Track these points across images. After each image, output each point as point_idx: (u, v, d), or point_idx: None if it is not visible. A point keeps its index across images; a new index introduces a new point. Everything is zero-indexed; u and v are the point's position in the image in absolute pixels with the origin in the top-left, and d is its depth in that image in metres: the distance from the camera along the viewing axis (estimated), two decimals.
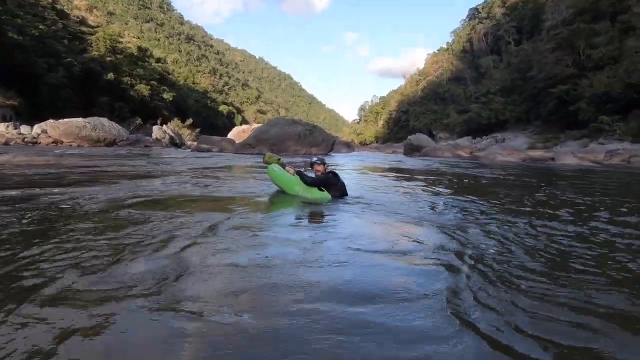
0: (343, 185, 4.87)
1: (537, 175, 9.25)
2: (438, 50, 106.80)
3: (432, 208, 4.55)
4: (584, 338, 1.53)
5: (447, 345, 1.45)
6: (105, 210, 3.79)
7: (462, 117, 67.27)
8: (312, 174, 5.10)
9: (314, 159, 5.14)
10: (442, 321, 1.64)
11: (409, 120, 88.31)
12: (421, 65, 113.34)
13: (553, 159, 15.07)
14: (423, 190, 6.03)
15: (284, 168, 5.30)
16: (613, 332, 1.58)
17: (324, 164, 5.01)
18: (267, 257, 2.49)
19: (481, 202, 5.01)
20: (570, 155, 14.77)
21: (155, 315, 1.65)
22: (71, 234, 2.90)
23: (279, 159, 5.46)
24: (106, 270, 2.14)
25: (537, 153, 19.87)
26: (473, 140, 50.72)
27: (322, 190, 4.72)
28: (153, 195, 4.96)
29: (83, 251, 2.45)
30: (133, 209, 3.80)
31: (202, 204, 4.55)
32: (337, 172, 5.14)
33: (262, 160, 5.88)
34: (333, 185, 4.79)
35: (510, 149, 34.02)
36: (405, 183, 7.09)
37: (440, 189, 6.27)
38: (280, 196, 5.07)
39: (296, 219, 4.04)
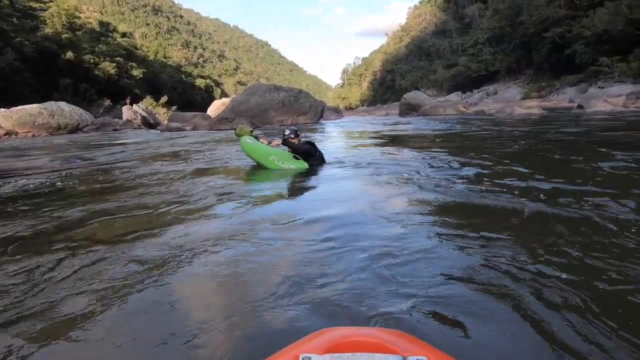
0: (321, 154, 4.87)
1: (583, 131, 7.45)
2: (420, 2, 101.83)
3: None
4: None
5: None
6: None
7: (449, 72, 64.68)
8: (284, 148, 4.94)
9: (287, 131, 4.82)
10: None
11: (395, 79, 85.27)
12: (403, 21, 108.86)
13: (581, 106, 13.27)
14: (472, 167, 4.08)
15: (257, 140, 5.03)
16: None
17: (298, 136, 4.81)
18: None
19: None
20: (601, 100, 12.96)
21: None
22: None
23: (251, 131, 5.20)
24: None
25: (561, 103, 17.92)
26: (463, 95, 48.66)
27: (298, 159, 4.64)
28: None
29: None
30: None
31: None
32: (313, 141, 5.03)
33: (234, 133, 5.54)
34: (313, 155, 4.75)
35: (504, 101, 32.28)
36: (441, 156, 5.06)
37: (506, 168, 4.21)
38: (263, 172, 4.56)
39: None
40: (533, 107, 14.91)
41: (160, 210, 2.87)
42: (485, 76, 55.17)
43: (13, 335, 1.32)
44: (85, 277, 1.75)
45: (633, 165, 3.69)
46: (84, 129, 24.67)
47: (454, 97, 47.92)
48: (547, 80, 40.82)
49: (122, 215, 2.82)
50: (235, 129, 5.38)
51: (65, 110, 23.75)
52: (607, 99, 12.93)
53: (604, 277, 1.47)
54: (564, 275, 1.50)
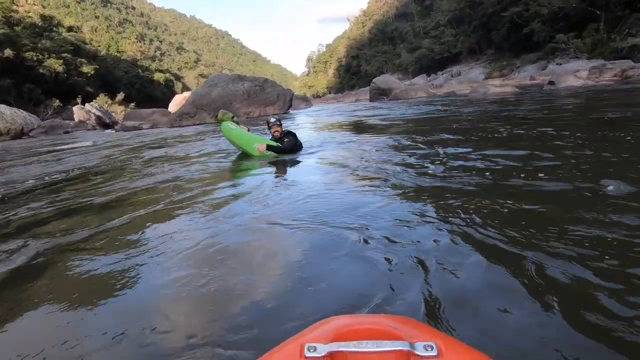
0: (301, 143, 4.96)
1: (564, 106, 7.23)
2: None
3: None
4: None
5: None
6: None
7: (413, 55, 65.01)
8: (267, 136, 5.06)
9: (272, 119, 4.96)
10: None
11: (361, 65, 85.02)
12: (364, 6, 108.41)
13: (552, 82, 13.36)
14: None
15: (238, 125, 5.06)
16: None
17: (281, 125, 4.92)
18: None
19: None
20: (572, 76, 13.14)
21: None
22: None
23: (232, 117, 5.54)
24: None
25: (524, 80, 17.95)
26: (428, 78, 49.05)
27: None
28: None
29: None
30: None
31: None
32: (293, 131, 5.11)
33: (215, 119, 5.75)
34: (297, 148, 4.88)
35: (468, 81, 32.73)
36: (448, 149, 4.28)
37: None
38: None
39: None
40: (506, 86, 14.95)
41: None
42: (448, 58, 55.89)
43: None
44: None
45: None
46: (30, 134, 22.53)
47: (420, 80, 48.16)
48: (508, 59, 41.76)
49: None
50: (217, 115, 5.54)
51: (6, 114, 21.51)
52: (577, 75, 13.13)
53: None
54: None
